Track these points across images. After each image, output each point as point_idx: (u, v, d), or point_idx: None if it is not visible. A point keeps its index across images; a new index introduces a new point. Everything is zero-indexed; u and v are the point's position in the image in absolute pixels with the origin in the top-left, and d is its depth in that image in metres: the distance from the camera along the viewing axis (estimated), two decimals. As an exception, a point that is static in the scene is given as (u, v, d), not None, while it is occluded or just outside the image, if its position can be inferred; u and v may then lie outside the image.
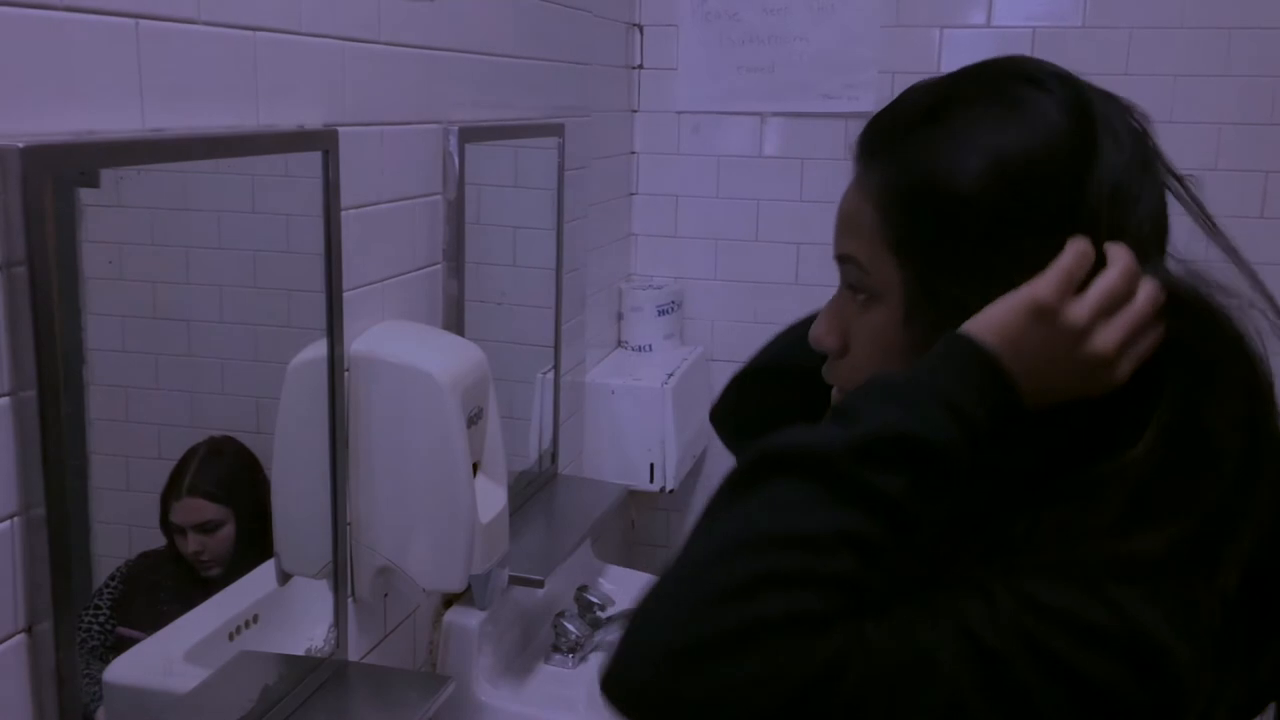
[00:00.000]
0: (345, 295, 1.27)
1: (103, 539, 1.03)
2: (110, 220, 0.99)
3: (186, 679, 1.15)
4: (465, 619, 1.63)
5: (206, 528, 1.21)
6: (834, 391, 0.80)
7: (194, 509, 1.20)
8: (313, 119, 1.19)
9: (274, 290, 1.25)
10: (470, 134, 1.54)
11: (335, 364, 1.25)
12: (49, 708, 0.87)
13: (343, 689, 1.30)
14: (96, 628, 1.06)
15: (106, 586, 1.09)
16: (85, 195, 0.95)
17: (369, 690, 1.33)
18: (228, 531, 1.23)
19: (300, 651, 1.28)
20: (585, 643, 1.81)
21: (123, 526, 1.13)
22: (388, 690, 1.34)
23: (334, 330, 1.24)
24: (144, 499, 1.13)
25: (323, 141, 1.18)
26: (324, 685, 1.30)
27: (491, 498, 1.41)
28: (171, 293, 1.11)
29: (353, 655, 1.38)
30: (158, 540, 1.18)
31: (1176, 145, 0.78)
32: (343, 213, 1.24)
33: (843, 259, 0.76)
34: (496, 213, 1.78)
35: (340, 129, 1.22)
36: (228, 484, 1.23)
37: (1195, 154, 2.08)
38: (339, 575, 1.33)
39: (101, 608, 1.08)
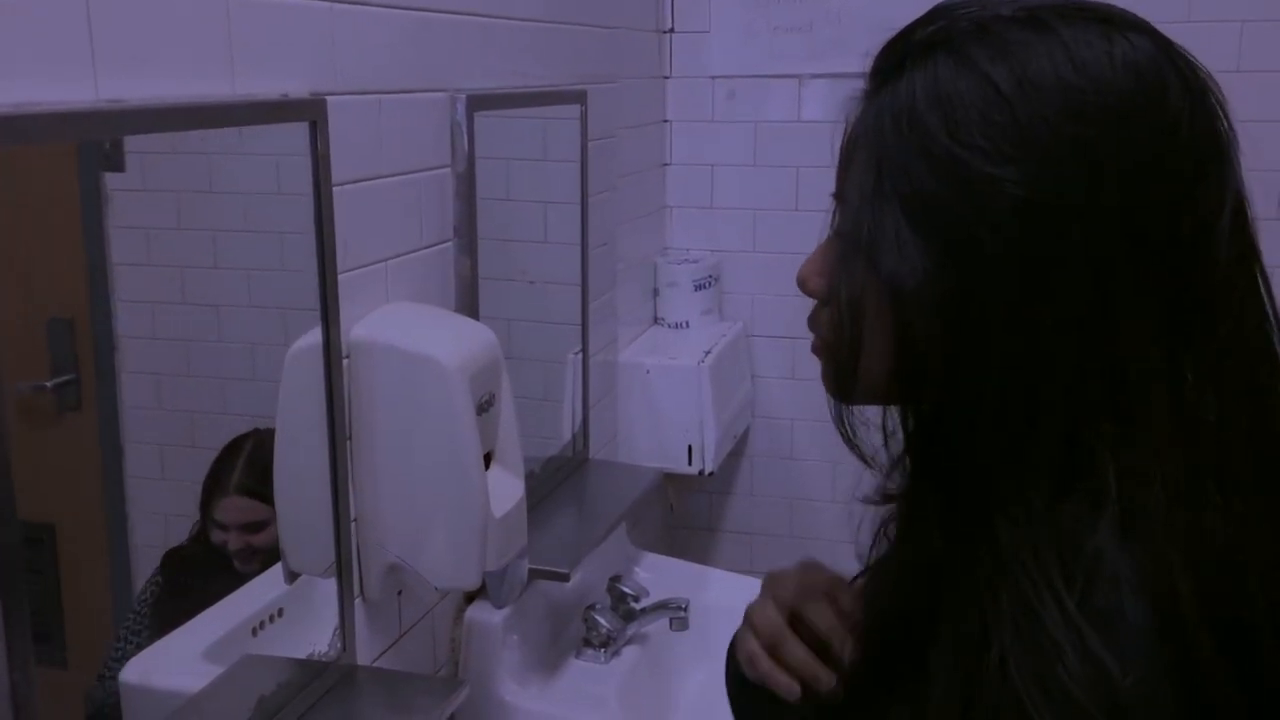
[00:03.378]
0: (341, 277, 1.19)
1: (140, 529, 1.05)
2: (138, 205, 1.00)
3: (203, 678, 1.12)
4: (488, 615, 1.55)
5: (253, 527, 1.18)
6: (813, 339, 0.71)
7: (242, 508, 1.19)
8: (298, 87, 1.11)
9: (296, 273, 1.21)
10: (480, 102, 1.44)
11: (331, 350, 1.18)
12: (3, 733, 0.81)
13: (348, 695, 1.24)
14: (135, 637, 1.06)
15: (142, 594, 1.09)
16: (112, 180, 0.95)
17: (376, 695, 1.26)
18: (273, 531, 1.20)
19: (303, 655, 1.21)
20: (617, 636, 1.73)
21: (159, 516, 1.13)
22: (397, 695, 1.27)
23: (328, 314, 1.16)
24: (179, 488, 1.14)
25: (309, 111, 1.10)
26: (330, 691, 1.23)
27: (506, 489, 1.33)
28: (199, 278, 1.10)
29: (364, 656, 1.32)
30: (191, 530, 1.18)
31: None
32: (335, 188, 1.15)
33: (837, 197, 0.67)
34: (518, 186, 1.71)
35: (330, 98, 1.13)
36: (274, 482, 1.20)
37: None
38: (343, 574, 1.26)
39: (142, 614, 1.08)
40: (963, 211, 0.58)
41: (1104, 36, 0.59)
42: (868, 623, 0.70)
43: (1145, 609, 0.54)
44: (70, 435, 1.03)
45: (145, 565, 1.11)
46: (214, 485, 1.16)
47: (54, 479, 1.00)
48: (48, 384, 0.96)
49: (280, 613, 1.24)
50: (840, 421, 0.69)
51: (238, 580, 1.18)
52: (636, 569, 1.99)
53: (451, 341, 1.27)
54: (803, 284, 0.71)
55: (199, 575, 1.19)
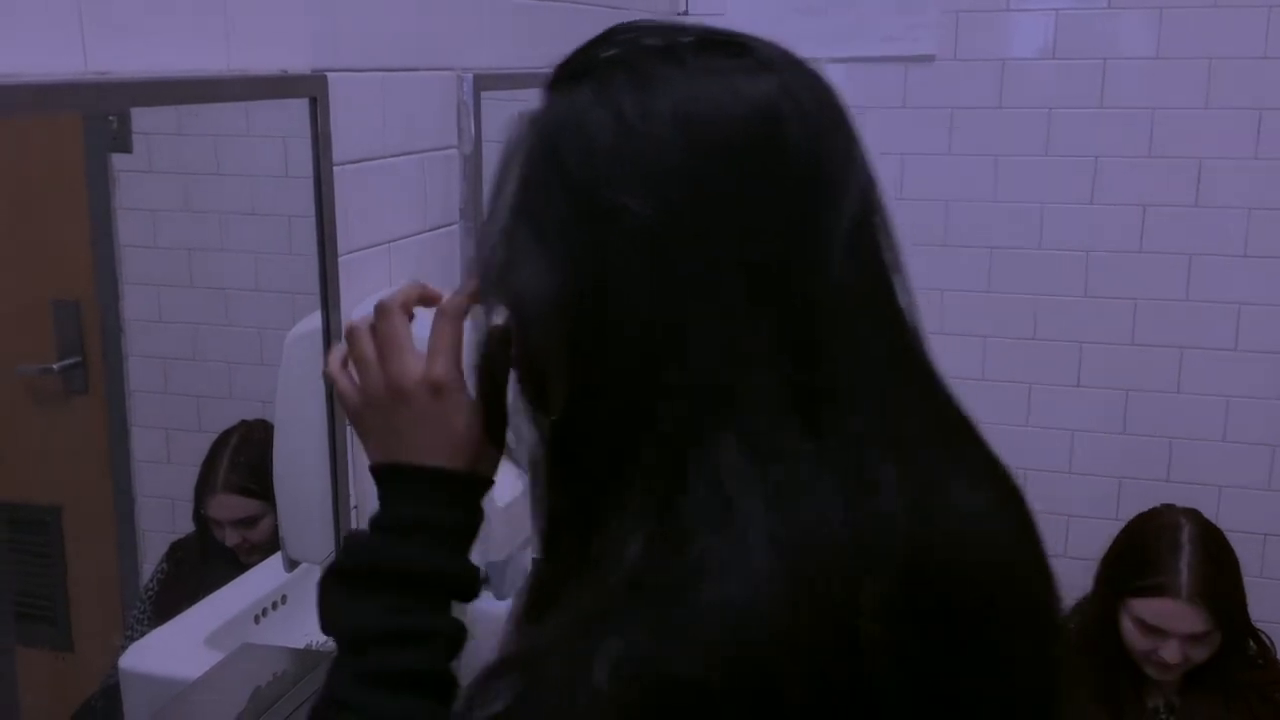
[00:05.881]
0: (342, 259, 1.17)
1: (146, 513, 1.04)
2: (145, 186, 0.98)
3: (203, 665, 1.11)
4: (490, 605, 1.53)
5: (246, 523, 1.17)
6: None
7: (231, 505, 1.18)
8: (298, 63, 1.09)
9: (303, 257, 1.19)
10: (487, 81, 1.42)
11: (331, 334, 1.16)
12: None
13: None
14: (141, 627, 1.06)
15: (149, 584, 1.09)
16: (119, 161, 0.94)
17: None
18: (268, 523, 1.20)
19: (301, 645, 1.20)
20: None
21: (166, 500, 1.14)
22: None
23: (328, 297, 1.14)
24: (185, 472, 1.14)
25: (309, 87, 1.08)
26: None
27: (510, 478, 1.31)
28: (207, 261, 1.10)
29: (367, 645, 1.30)
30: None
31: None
32: (336, 168, 1.13)
33: None
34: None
35: (331, 74, 1.11)
36: (263, 476, 1.18)
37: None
38: (344, 562, 1.24)
39: (145, 605, 1.09)
40: (589, 238, 0.61)
41: (730, 70, 0.62)
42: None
43: (730, 600, 0.56)
44: (77, 418, 1.02)
45: (151, 549, 1.10)
46: (203, 484, 1.15)
47: (60, 462, 0.99)
48: (54, 366, 0.95)
49: (284, 599, 1.23)
50: (492, 427, 0.70)
51: (241, 570, 1.17)
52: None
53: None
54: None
55: (203, 565, 1.18)
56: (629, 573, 0.57)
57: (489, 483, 0.73)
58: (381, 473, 0.73)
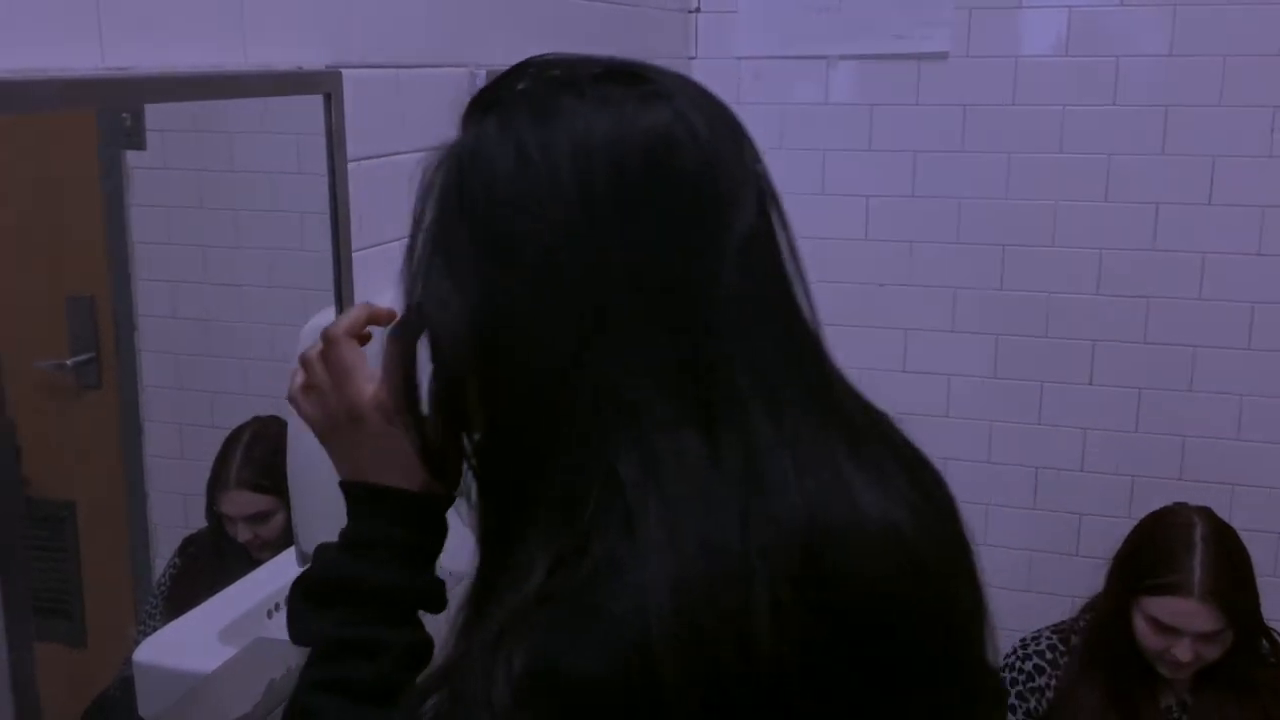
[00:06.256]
0: (355, 255, 1.17)
1: (160, 508, 1.05)
2: (158, 183, 0.99)
3: (217, 660, 1.11)
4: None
5: (258, 519, 1.17)
6: None
7: (243, 502, 1.18)
8: (313, 59, 1.09)
9: (316, 254, 1.20)
10: (500, 78, 1.42)
11: (345, 330, 1.16)
12: (3, 711, 0.79)
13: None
14: (153, 622, 1.07)
15: (161, 579, 1.10)
16: (133, 158, 0.95)
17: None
18: (280, 519, 1.20)
19: (315, 640, 1.20)
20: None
21: (178, 496, 1.15)
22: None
23: (342, 293, 1.15)
24: (198, 468, 1.14)
25: (324, 84, 1.08)
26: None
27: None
28: (220, 257, 1.11)
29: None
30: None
31: None
32: (350, 164, 1.14)
33: None
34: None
35: (346, 71, 1.11)
36: (275, 472, 1.18)
37: None
38: (357, 558, 1.24)
39: (157, 599, 1.09)
40: (493, 268, 0.63)
41: (626, 100, 0.64)
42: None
43: (626, 608, 0.58)
44: (90, 414, 1.02)
45: (164, 544, 1.10)
46: (216, 480, 1.16)
47: (74, 457, 0.99)
48: (68, 362, 0.95)
49: (295, 594, 1.23)
50: (424, 449, 0.72)
51: (253, 566, 1.17)
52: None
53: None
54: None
55: (216, 560, 1.18)
56: (535, 587, 0.60)
57: (448, 498, 0.75)
58: (345, 490, 0.76)
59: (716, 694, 0.58)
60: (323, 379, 0.76)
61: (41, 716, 0.82)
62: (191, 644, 1.09)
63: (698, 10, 2.40)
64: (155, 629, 1.06)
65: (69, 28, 0.83)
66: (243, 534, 1.19)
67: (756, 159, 0.68)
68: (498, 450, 0.68)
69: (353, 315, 0.78)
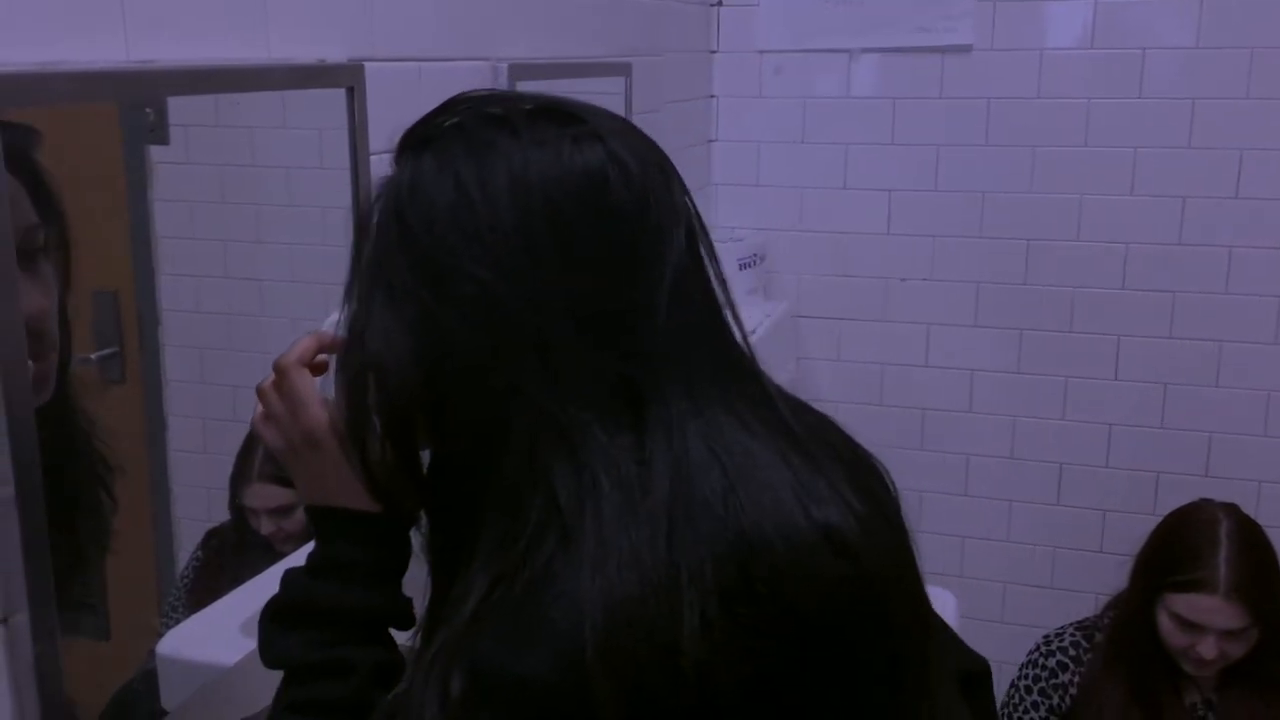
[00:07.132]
0: (377, 248, 1.17)
1: (183, 502, 1.05)
2: (181, 178, 0.99)
3: (239, 652, 1.10)
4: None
5: (281, 511, 1.18)
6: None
7: (266, 494, 1.19)
8: (336, 53, 1.09)
9: (337, 248, 1.18)
10: (522, 71, 1.42)
11: (366, 323, 1.16)
12: (29, 703, 0.80)
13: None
14: (176, 615, 1.07)
15: (184, 572, 1.10)
16: (156, 152, 0.95)
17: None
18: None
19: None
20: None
21: (202, 490, 1.15)
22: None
23: (362, 287, 1.15)
24: (221, 462, 1.15)
25: (346, 77, 1.08)
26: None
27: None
28: (242, 252, 1.11)
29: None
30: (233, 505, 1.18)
31: None
32: (372, 158, 1.13)
33: None
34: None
35: (368, 64, 1.11)
36: None
37: None
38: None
39: (180, 592, 1.09)
40: (432, 301, 0.65)
41: (560, 139, 0.66)
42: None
43: (557, 622, 0.60)
44: (114, 408, 1.02)
45: (187, 538, 1.10)
46: (239, 473, 1.16)
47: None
48: (92, 356, 0.96)
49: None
50: (368, 479, 0.73)
51: (276, 559, 1.18)
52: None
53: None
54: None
55: (239, 553, 1.18)
56: (473, 608, 0.63)
57: (410, 517, 0.76)
58: (309, 514, 0.77)
59: (646, 708, 0.60)
60: (278, 409, 0.77)
61: (67, 710, 0.83)
62: (214, 636, 1.10)
63: (720, 4, 2.39)
64: (178, 621, 1.06)
65: (93, 22, 0.83)
66: (265, 527, 1.19)
67: (684, 192, 0.70)
68: (443, 478, 0.71)
69: (302, 345, 0.79)
